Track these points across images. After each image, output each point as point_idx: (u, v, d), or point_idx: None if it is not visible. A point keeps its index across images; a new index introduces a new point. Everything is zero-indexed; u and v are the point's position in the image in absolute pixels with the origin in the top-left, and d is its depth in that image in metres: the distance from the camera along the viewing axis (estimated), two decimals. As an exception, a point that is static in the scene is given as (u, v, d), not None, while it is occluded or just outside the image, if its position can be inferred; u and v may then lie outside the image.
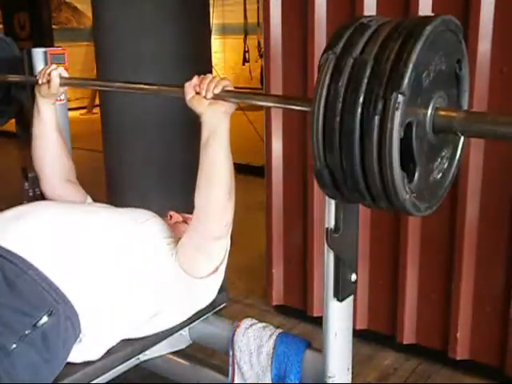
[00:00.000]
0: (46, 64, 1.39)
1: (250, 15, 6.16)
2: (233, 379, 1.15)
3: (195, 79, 0.95)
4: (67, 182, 1.26)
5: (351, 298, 0.96)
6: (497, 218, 1.53)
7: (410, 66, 0.61)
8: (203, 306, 1.15)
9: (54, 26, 5.32)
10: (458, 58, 0.73)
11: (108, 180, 2.53)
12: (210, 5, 2.66)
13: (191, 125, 2.62)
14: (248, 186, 3.44)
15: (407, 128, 0.64)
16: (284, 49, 1.78)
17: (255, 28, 5.80)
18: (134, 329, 1.06)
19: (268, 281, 1.99)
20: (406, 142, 0.64)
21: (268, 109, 1.85)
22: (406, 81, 0.61)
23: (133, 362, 1.12)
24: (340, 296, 0.92)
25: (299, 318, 1.93)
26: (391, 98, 0.61)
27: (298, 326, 1.90)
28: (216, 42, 7.16)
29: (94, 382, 1.03)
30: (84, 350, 0.99)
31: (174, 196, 2.18)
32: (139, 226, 1.09)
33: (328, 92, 0.65)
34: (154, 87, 1.09)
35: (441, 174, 0.75)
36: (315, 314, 1.86)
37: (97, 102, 5.22)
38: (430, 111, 0.68)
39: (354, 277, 0.94)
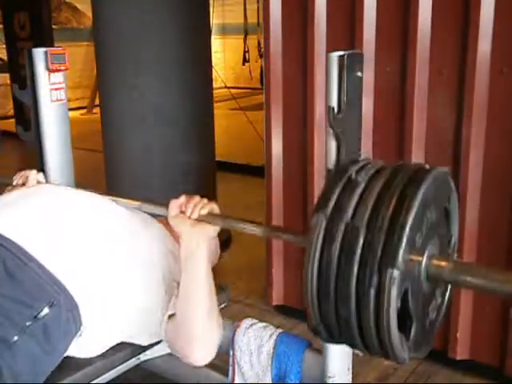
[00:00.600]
0: (47, 64, 1.39)
1: (249, 15, 6.16)
2: (233, 379, 1.16)
3: (183, 198, 0.95)
4: None
5: (352, 298, 0.96)
6: (497, 217, 1.53)
7: (404, 240, 0.61)
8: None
9: (54, 26, 5.32)
10: (448, 196, 0.73)
11: (108, 180, 2.53)
12: (209, 5, 2.66)
13: (191, 125, 2.63)
14: (248, 186, 3.44)
15: (404, 295, 0.65)
16: (284, 49, 1.78)
17: (255, 28, 5.80)
18: (131, 325, 1.05)
19: (268, 281, 1.99)
20: (402, 305, 0.65)
21: (268, 109, 1.85)
22: (400, 257, 0.61)
23: (133, 361, 1.12)
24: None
25: (299, 318, 1.93)
26: (386, 273, 0.61)
27: (298, 326, 1.90)
28: (216, 42, 7.16)
29: (95, 381, 1.03)
30: (84, 345, 0.99)
31: (173, 196, 2.19)
32: (144, 226, 1.10)
33: (321, 257, 0.66)
34: (137, 202, 1.07)
35: (435, 312, 0.74)
36: (315, 314, 1.86)
37: (97, 102, 5.22)
38: (424, 261, 0.67)
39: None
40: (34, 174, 1.20)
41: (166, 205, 0.97)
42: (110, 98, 2.43)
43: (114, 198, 1.13)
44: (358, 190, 0.67)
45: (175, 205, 0.95)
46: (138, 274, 1.03)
